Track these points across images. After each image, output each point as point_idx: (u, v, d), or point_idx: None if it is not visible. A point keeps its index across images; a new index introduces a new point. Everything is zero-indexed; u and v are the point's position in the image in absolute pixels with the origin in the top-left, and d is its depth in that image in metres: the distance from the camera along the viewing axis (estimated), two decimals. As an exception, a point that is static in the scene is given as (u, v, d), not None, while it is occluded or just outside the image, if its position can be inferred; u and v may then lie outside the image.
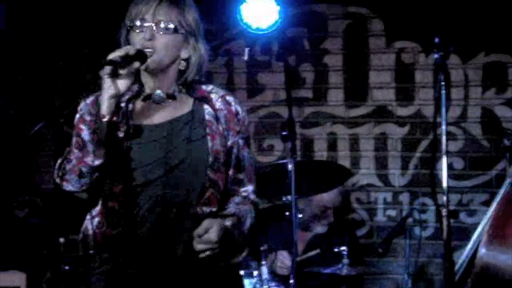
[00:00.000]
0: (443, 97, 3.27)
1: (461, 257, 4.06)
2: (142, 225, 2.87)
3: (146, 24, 2.88)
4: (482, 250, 3.66)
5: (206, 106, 2.97)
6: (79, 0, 6.03)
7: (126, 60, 2.77)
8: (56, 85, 6.22)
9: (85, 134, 2.83)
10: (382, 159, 6.04)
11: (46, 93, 6.20)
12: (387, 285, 5.98)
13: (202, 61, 2.98)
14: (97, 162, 2.80)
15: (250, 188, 3.05)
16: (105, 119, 2.76)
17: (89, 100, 2.94)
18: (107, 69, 2.75)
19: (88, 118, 2.86)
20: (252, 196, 3.06)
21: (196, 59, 2.96)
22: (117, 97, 2.79)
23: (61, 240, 4.94)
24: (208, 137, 2.93)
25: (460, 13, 5.74)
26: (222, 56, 6.10)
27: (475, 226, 4.19)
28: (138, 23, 2.89)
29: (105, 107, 2.76)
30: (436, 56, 3.26)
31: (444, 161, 3.32)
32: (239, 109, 3.02)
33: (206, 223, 2.83)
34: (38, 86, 6.19)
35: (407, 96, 6.02)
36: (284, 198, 4.50)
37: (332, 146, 6.10)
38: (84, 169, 2.80)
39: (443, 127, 3.28)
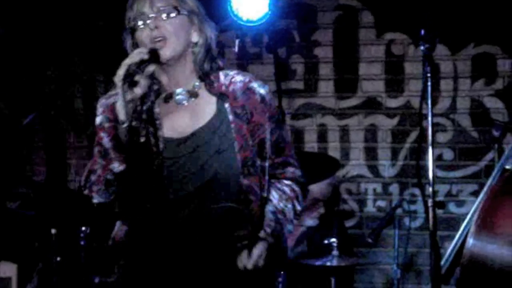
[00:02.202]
0: (429, 88, 3.29)
1: (450, 247, 4.09)
2: (174, 240, 2.81)
3: (147, 19, 2.81)
4: (470, 240, 3.66)
5: (227, 105, 2.87)
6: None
7: (141, 65, 2.71)
8: (47, 77, 6.23)
9: (106, 141, 2.77)
10: (372, 150, 6.06)
11: (37, 85, 6.20)
12: (377, 276, 6.00)
13: (210, 41, 2.90)
14: (120, 168, 2.75)
15: (294, 167, 3.00)
16: (124, 125, 2.69)
17: (106, 103, 2.84)
18: (121, 75, 2.67)
19: (107, 125, 2.77)
20: (298, 175, 3.03)
21: (203, 40, 2.88)
22: (135, 101, 2.72)
23: (53, 231, 4.96)
24: (236, 142, 2.84)
25: (449, 4, 5.76)
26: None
27: (464, 216, 4.20)
28: (140, 21, 2.82)
29: (123, 112, 2.68)
30: (422, 48, 3.27)
31: (430, 152, 3.34)
32: (263, 93, 2.89)
33: (257, 251, 2.80)
34: (29, 78, 6.19)
35: (396, 88, 6.04)
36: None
37: (322, 137, 6.12)
38: (109, 177, 2.77)
39: (429, 118, 3.30)
